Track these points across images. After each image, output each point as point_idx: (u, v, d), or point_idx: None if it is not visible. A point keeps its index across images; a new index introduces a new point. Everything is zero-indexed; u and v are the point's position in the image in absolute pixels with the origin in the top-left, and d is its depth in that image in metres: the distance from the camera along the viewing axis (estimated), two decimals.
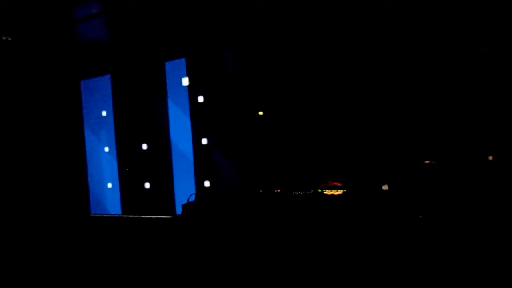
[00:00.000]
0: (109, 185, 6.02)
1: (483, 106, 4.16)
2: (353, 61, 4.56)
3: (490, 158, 4.27)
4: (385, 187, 3.95)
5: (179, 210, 4.65)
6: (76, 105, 6.10)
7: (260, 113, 5.33)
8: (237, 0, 4.56)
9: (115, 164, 5.91)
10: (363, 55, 4.52)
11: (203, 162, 5.21)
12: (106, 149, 6.05)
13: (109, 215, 5.77)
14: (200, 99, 5.27)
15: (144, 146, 5.66)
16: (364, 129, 4.56)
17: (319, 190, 4.32)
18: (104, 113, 6.06)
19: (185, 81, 5.33)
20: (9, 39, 4.74)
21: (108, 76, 5.99)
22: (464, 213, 3.66)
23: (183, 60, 5.34)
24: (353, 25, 4.55)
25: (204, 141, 5.26)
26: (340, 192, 4.16)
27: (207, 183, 5.17)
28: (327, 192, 4.21)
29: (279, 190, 4.81)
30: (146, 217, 5.14)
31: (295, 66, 4.89)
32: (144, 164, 5.61)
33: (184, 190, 5.23)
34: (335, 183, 4.24)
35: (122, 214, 5.72)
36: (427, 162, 4.33)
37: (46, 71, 5.85)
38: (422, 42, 4.30)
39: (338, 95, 4.66)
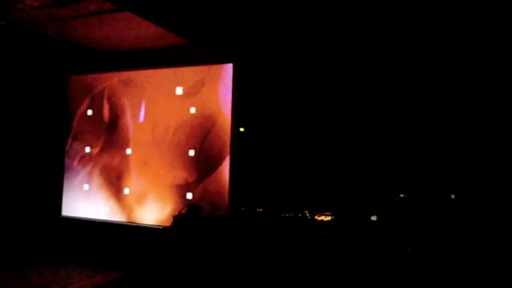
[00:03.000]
0: None
1: (448, 155, 4.73)
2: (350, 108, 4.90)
3: (452, 196, 4.82)
4: (373, 217, 4.23)
5: None
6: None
7: (241, 129, 5.41)
8: None
9: None
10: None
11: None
12: None
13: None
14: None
15: None
16: (353, 162, 4.86)
17: (307, 214, 4.51)
18: None
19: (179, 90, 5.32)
20: (3, 23, 4.42)
21: None
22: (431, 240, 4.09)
23: None
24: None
25: (192, 152, 5.24)
26: (329, 218, 4.38)
27: (189, 195, 5.16)
28: (317, 217, 4.41)
29: (260, 210, 4.93)
30: (137, 225, 5.02)
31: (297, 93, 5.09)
32: None
33: None
34: (325, 213, 4.45)
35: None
36: (401, 195, 4.75)
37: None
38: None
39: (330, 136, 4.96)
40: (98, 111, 5.84)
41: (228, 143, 5.07)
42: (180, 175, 5.23)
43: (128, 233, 5.11)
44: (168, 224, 4.43)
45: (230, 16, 4.69)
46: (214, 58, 5.25)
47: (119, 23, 4.70)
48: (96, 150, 5.75)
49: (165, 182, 5.26)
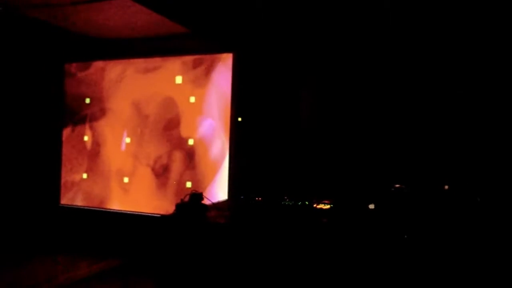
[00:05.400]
0: None
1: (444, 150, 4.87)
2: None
3: (446, 187, 4.97)
4: (371, 206, 4.34)
5: None
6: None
7: (239, 119, 5.45)
8: None
9: None
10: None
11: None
12: None
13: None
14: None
15: None
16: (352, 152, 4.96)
17: (306, 203, 4.59)
18: None
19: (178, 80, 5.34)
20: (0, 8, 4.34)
21: None
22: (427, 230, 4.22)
23: None
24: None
25: (191, 142, 5.28)
26: (328, 206, 4.47)
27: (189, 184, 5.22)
28: (316, 205, 4.49)
29: (260, 199, 4.99)
30: (135, 213, 5.03)
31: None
32: None
33: None
34: (324, 201, 4.54)
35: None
36: (397, 186, 4.88)
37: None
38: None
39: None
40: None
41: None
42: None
43: (128, 221, 5.14)
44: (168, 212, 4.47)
45: (231, 4, 4.69)
46: (214, 47, 5.26)
47: (116, 10, 4.65)
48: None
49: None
